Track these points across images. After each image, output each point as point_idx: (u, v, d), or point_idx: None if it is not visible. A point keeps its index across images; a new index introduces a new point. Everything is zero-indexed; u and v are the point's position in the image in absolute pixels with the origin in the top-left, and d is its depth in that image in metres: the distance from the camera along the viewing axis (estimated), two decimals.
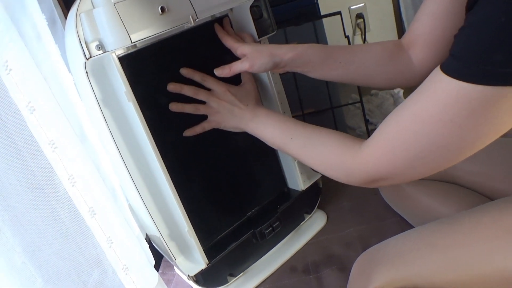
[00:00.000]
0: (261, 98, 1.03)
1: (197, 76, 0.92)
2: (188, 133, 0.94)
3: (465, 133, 0.56)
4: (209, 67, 0.92)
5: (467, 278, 0.70)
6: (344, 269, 0.99)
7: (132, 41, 0.77)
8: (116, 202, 0.86)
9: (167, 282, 1.14)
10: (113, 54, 0.78)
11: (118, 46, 0.77)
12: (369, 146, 0.67)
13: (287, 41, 1.39)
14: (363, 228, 1.10)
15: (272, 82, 1.01)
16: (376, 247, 0.82)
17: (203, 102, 0.93)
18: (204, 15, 0.85)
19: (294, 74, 1.41)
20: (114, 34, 0.76)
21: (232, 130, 0.94)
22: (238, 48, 0.90)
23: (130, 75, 0.82)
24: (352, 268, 0.83)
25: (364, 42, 1.89)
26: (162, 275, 1.17)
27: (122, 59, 0.81)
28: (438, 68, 0.56)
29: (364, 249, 0.84)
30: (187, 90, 0.91)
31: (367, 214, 1.14)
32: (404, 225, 1.05)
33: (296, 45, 0.88)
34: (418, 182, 1.02)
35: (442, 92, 0.55)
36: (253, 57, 0.87)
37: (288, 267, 1.06)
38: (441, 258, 0.72)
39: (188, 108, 0.91)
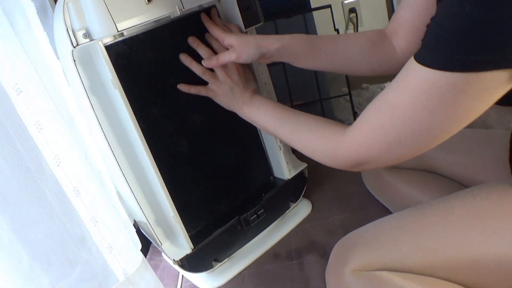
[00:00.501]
0: None
1: (215, 43, 0.95)
2: (183, 87, 0.95)
3: (437, 118, 0.59)
4: (197, 57, 0.94)
5: (438, 261, 0.72)
6: (326, 255, 1.02)
7: (119, 30, 0.79)
8: (102, 185, 0.88)
9: (155, 267, 1.17)
10: (100, 43, 0.80)
11: (104, 34, 0.79)
12: (351, 131, 0.70)
13: (277, 33, 1.41)
14: (346, 216, 1.13)
15: (259, 72, 1.03)
16: (354, 232, 0.85)
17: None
18: (191, 5, 0.88)
19: (284, 65, 1.44)
20: (101, 22, 0.78)
21: (223, 106, 0.96)
22: (225, 38, 0.92)
23: (117, 63, 0.84)
24: (331, 252, 0.85)
25: None
26: (150, 260, 1.20)
27: (109, 48, 0.83)
28: (412, 57, 0.59)
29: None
30: (203, 49, 0.93)
31: (351, 203, 1.17)
32: (385, 214, 1.07)
33: (282, 35, 0.91)
34: (399, 171, 1.05)
35: (415, 79, 0.58)
36: (240, 48, 0.89)
37: (272, 253, 1.09)
38: (413, 241, 0.75)
39: (195, 66, 0.93)
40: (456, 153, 0.99)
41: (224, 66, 0.93)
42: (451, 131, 0.61)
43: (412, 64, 0.58)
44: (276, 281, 1.01)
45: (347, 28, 1.98)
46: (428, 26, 0.57)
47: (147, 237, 1.08)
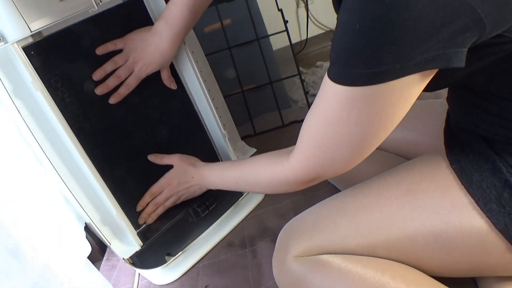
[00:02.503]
0: (185, 79, 1.03)
1: (155, 189, 1.02)
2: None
3: (364, 129, 0.59)
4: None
5: (376, 240, 0.72)
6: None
7: (32, 31, 0.76)
8: (38, 191, 0.86)
9: (112, 267, 1.15)
10: (15, 45, 0.77)
11: (18, 36, 0.76)
12: (294, 155, 0.70)
13: (220, 18, 1.39)
14: (297, 199, 1.12)
15: (193, 61, 1.00)
16: (296, 218, 0.84)
17: None
18: None
19: (230, 50, 1.41)
20: (12, 24, 0.75)
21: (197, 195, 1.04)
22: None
23: (39, 63, 0.81)
24: (277, 239, 0.85)
25: (307, 15, 1.89)
26: (107, 261, 1.18)
27: (27, 49, 0.80)
28: (326, 73, 0.58)
29: None
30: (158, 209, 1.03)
31: None
32: (335, 193, 1.07)
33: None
34: None
35: (332, 95, 0.57)
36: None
37: (226, 243, 1.08)
38: (351, 223, 0.74)
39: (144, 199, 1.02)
40: (397, 128, 0.99)
41: (168, 191, 1.01)
42: (383, 136, 0.61)
43: (327, 81, 0.58)
44: (230, 270, 1.00)
45: (298, 6, 1.96)
46: (332, 40, 0.57)
47: (99, 237, 1.06)
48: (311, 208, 0.83)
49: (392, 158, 1.00)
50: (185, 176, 1.00)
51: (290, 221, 0.84)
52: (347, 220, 0.75)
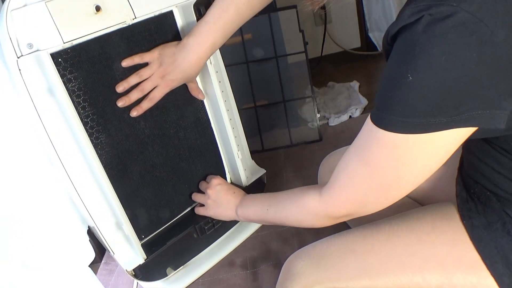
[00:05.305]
0: (203, 87, 1.05)
1: (203, 185, 1.07)
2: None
3: (400, 174, 0.60)
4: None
5: (381, 284, 0.73)
6: (279, 265, 1.00)
7: (64, 41, 0.76)
8: (44, 196, 0.86)
9: (110, 272, 1.15)
10: (44, 53, 0.77)
11: (49, 45, 0.76)
12: (327, 191, 0.72)
13: (242, 34, 1.39)
14: None
15: (216, 81, 1.00)
16: (304, 249, 0.84)
17: None
18: (143, 13, 0.85)
19: (248, 66, 1.42)
20: (45, 34, 0.75)
21: (221, 218, 1.02)
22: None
23: (65, 70, 0.81)
24: (281, 269, 0.85)
25: (324, 34, 1.90)
26: (105, 265, 1.18)
27: (57, 55, 0.80)
28: (369, 117, 0.60)
29: (299, 245, 0.88)
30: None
31: None
32: (341, 225, 1.07)
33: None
34: None
35: (373, 138, 0.59)
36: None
37: (227, 262, 1.09)
38: (358, 263, 0.75)
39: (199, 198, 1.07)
40: None
41: (209, 186, 1.04)
42: (417, 182, 0.63)
43: (369, 123, 0.59)
44: None
45: (316, 25, 1.96)
46: (379, 84, 0.57)
47: (101, 243, 1.06)
48: (318, 242, 0.84)
49: (401, 201, 1.00)
50: (232, 187, 1.03)
51: (296, 252, 0.85)
52: (355, 260, 0.76)
